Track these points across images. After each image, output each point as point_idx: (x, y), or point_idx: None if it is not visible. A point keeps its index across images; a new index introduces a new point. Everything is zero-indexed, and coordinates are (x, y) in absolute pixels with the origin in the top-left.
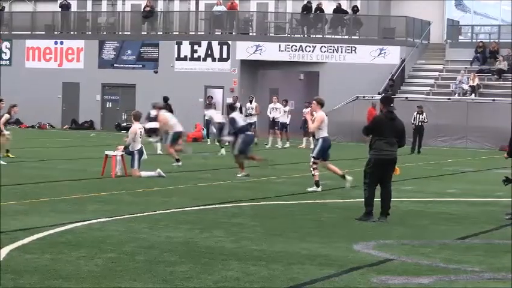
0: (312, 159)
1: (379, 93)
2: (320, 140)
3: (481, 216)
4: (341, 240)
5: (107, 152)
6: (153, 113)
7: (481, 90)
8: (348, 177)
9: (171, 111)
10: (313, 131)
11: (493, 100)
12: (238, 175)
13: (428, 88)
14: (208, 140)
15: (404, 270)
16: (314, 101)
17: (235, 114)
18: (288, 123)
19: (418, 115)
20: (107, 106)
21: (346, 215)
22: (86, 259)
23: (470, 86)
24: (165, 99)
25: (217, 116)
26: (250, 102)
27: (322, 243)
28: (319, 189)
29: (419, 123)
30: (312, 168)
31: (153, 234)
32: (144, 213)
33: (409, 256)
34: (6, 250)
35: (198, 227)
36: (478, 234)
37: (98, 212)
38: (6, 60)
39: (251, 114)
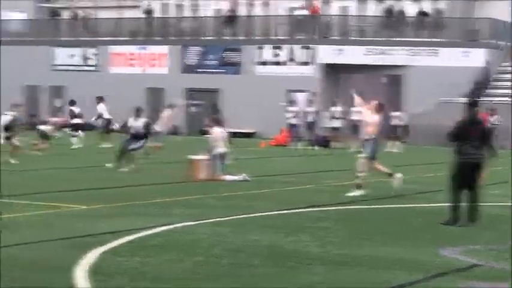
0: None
1: (463, 97)
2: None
3: None
4: (427, 244)
5: (191, 157)
6: (76, 110)
7: None
8: (359, 190)
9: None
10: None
11: None
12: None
13: None
14: (292, 144)
15: (492, 276)
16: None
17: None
18: None
19: (489, 118)
20: (191, 111)
21: (432, 219)
22: (174, 262)
23: None
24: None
25: (106, 113)
26: (335, 105)
27: (408, 247)
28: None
29: (491, 126)
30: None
31: (239, 238)
32: (229, 217)
33: (497, 262)
34: (96, 253)
35: (283, 231)
36: None
37: (183, 216)
38: (92, 66)
39: (335, 118)
